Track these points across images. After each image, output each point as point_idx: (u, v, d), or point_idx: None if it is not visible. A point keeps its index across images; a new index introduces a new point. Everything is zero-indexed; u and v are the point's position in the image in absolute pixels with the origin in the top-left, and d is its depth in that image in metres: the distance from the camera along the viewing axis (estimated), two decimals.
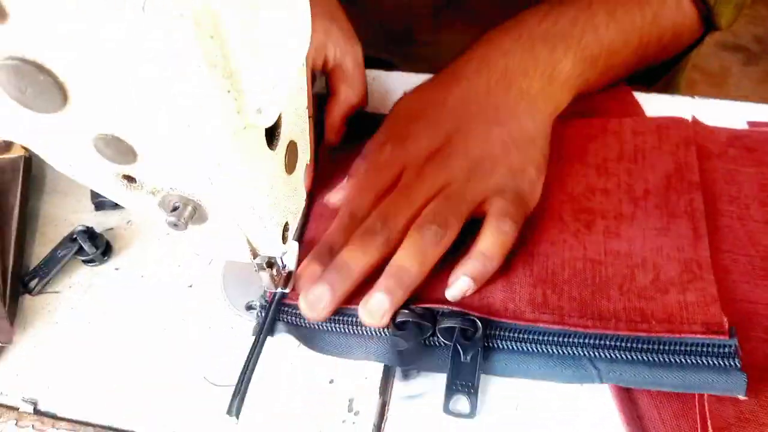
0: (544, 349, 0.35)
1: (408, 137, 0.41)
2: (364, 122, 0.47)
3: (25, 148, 0.44)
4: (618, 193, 0.42)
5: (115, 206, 0.44)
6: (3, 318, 0.38)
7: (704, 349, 0.33)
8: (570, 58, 0.44)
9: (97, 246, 0.41)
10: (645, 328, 0.35)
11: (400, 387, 0.36)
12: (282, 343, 0.37)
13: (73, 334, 0.39)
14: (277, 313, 0.38)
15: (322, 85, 0.47)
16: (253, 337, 0.36)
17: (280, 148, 0.29)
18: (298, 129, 0.31)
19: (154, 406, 0.35)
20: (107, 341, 0.38)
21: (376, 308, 0.35)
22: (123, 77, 0.21)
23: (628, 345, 0.34)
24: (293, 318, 0.38)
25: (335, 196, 0.42)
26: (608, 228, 0.40)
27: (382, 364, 0.36)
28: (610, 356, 0.34)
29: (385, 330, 0.36)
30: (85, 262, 0.42)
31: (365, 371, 0.36)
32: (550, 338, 0.35)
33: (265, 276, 0.36)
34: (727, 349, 0.33)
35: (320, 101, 0.47)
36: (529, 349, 0.35)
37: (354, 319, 0.37)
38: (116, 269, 0.42)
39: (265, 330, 0.37)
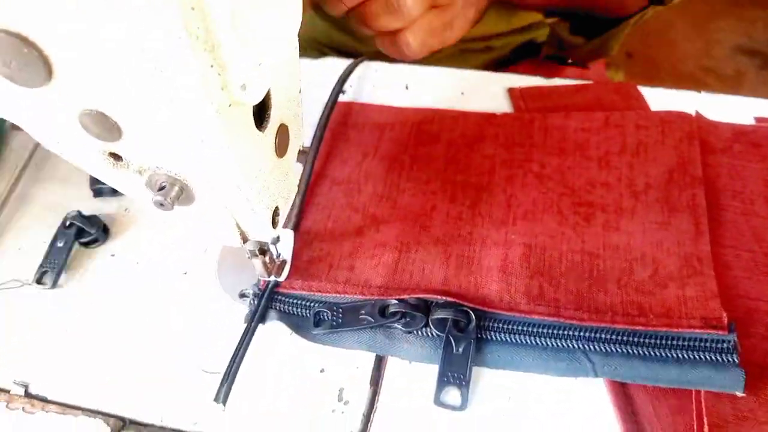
0: (538, 342, 0.35)
1: None
2: (359, 118, 0.47)
3: None
4: (619, 187, 0.41)
5: (114, 193, 0.44)
6: None
7: (702, 344, 0.33)
8: None
9: (95, 227, 0.41)
10: (642, 321, 0.34)
11: (391, 377, 0.35)
12: (274, 331, 0.37)
13: (66, 319, 0.39)
14: (269, 301, 0.38)
15: None
16: (245, 325, 0.36)
17: (269, 131, 0.29)
18: (290, 113, 0.31)
19: (145, 391, 0.35)
20: (100, 326, 0.38)
21: None
22: (107, 51, 0.21)
23: (624, 339, 0.34)
24: (286, 306, 0.38)
25: None
26: (608, 221, 0.39)
27: (374, 354, 0.36)
28: (605, 349, 0.34)
29: (377, 319, 0.35)
30: (85, 245, 0.42)
31: (356, 361, 0.36)
32: (545, 330, 0.35)
33: (257, 263, 0.36)
34: (725, 345, 0.32)
35: None
36: (523, 341, 0.35)
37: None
38: (112, 255, 0.41)
39: (256, 318, 0.37)
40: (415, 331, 0.36)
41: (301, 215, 0.42)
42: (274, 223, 0.32)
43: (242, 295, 0.38)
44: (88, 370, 0.36)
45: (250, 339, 0.36)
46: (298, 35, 0.28)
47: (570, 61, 0.63)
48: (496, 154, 0.44)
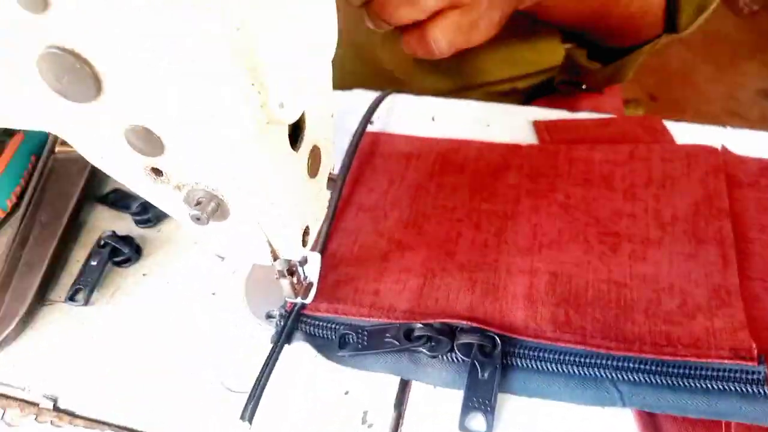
0: (565, 369, 0.34)
1: None
2: (386, 147, 0.48)
3: None
4: (645, 218, 0.41)
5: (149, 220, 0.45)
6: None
7: (731, 375, 0.32)
8: None
9: (128, 246, 0.42)
10: (670, 351, 0.34)
11: (415, 401, 0.35)
12: (300, 352, 0.37)
13: (97, 336, 0.39)
14: (296, 322, 0.38)
15: None
16: (271, 345, 0.37)
17: (303, 151, 0.30)
18: (322, 136, 0.32)
19: (172, 409, 0.36)
20: (130, 344, 0.39)
21: None
22: (154, 68, 0.22)
23: (652, 368, 0.33)
24: (311, 328, 0.38)
25: None
26: (634, 252, 0.39)
27: (398, 378, 0.36)
28: (634, 379, 0.33)
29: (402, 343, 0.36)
30: (119, 264, 0.43)
31: (381, 384, 0.36)
32: (572, 358, 0.34)
33: (285, 284, 0.37)
34: (755, 376, 0.32)
35: None
36: (550, 368, 0.35)
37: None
38: (144, 275, 0.42)
39: (282, 338, 0.37)
40: (440, 356, 0.36)
41: (327, 239, 0.42)
42: (304, 243, 0.32)
43: (269, 316, 0.39)
44: (116, 387, 0.37)
45: (276, 359, 0.36)
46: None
47: (584, 86, 0.64)
48: (521, 184, 0.44)
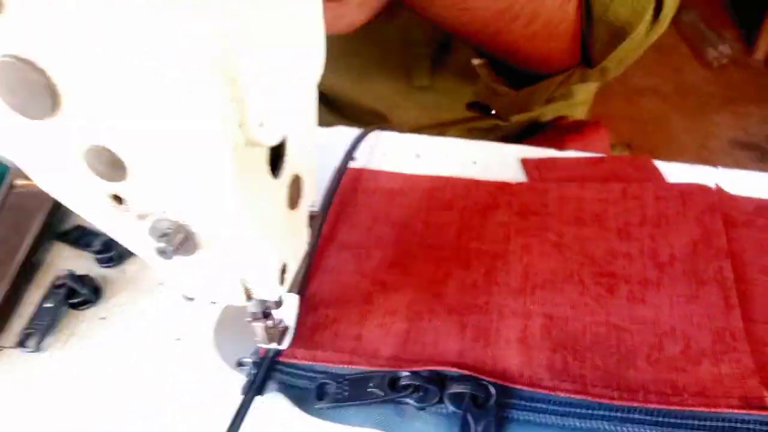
0: (565, 422, 0.32)
1: None
2: (369, 184, 0.46)
3: None
4: (641, 258, 0.39)
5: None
6: None
7: (743, 426, 0.30)
8: None
9: (86, 287, 0.39)
10: (677, 401, 0.32)
11: None
12: (274, 403, 0.34)
13: (49, 386, 0.36)
14: (269, 371, 0.35)
15: None
16: (242, 396, 0.33)
17: (283, 179, 0.27)
18: (304, 165, 0.29)
19: None
20: (85, 393, 0.35)
21: None
22: (117, 80, 0.20)
23: (659, 419, 0.31)
24: (287, 377, 0.35)
25: None
26: (632, 293, 0.37)
27: None
28: (640, 431, 0.31)
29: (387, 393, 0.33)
30: (75, 306, 0.39)
31: None
32: (572, 409, 0.32)
33: (258, 328, 0.34)
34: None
35: None
36: (549, 421, 0.32)
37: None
38: (101, 318, 0.39)
39: (253, 389, 0.34)
40: (429, 408, 0.33)
41: (306, 280, 0.39)
42: (281, 281, 0.30)
43: (240, 364, 0.36)
44: None
45: (246, 412, 0.33)
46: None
47: (492, 112, 0.60)
48: (511, 222, 0.42)
